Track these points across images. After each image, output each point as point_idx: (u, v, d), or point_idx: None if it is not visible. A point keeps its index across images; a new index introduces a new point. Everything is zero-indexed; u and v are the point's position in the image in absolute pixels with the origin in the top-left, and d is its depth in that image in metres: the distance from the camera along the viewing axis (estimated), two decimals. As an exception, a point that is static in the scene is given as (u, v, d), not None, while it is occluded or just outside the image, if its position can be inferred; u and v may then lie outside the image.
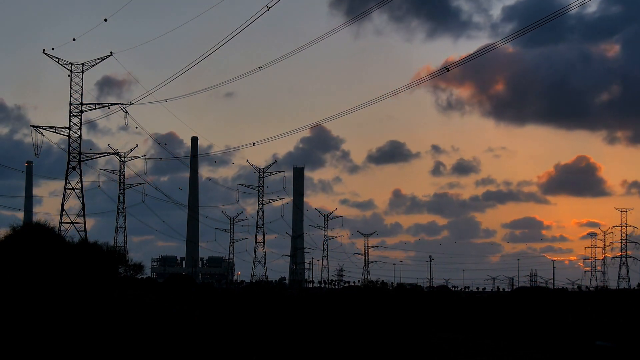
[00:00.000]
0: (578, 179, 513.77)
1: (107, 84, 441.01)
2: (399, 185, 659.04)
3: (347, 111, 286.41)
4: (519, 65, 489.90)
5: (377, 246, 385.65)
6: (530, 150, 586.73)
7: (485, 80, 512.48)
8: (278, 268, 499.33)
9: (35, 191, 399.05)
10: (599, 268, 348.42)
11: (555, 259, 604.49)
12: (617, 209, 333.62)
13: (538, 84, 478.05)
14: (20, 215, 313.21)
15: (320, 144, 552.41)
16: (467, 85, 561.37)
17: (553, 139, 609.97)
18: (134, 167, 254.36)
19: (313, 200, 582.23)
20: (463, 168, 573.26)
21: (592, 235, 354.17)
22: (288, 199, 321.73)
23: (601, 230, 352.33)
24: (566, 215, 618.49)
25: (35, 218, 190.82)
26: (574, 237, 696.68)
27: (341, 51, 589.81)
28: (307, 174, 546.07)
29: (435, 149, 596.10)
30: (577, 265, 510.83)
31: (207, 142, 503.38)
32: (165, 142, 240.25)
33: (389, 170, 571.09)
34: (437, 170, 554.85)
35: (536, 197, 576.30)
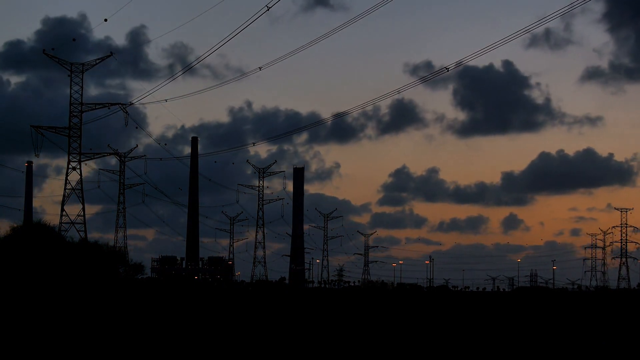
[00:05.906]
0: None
1: (107, 83, 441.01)
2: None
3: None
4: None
5: (377, 246, 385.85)
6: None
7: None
8: (278, 268, 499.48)
9: (35, 191, 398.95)
10: (599, 268, 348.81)
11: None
12: (617, 209, 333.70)
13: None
14: (20, 215, 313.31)
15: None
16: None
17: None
18: (134, 166, 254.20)
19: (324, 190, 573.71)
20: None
21: (592, 235, 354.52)
22: (288, 197, 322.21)
23: (601, 230, 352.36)
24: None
25: (35, 218, 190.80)
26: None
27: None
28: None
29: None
30: (577, 265, 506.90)
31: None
32: (165, 142, 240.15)
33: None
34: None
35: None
